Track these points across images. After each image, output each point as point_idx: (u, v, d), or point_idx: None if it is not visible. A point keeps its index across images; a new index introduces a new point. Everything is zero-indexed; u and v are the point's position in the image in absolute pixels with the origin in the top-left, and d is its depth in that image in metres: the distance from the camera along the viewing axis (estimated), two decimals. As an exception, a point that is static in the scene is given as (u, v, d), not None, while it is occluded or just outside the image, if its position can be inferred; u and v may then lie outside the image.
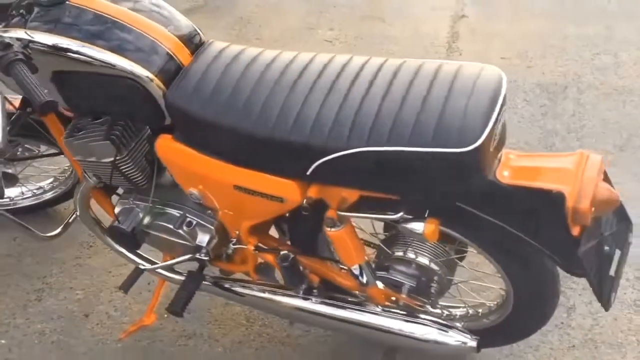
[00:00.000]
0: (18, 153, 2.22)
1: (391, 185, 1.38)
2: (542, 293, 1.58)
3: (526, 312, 1.66)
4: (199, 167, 1.54)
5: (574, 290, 2.14)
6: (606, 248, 1.46)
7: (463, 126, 1.28)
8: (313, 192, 1.43)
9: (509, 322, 1.71)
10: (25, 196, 2.37)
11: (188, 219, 1.70)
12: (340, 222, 1.49)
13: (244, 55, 1.52)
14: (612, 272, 1.47)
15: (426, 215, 1.40)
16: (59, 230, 2.01)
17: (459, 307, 1.85)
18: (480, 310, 1.81)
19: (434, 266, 1.65)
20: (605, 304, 1.47)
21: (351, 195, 1.45)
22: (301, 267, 1.66)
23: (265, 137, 1.38)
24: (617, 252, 1.50)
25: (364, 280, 1.62)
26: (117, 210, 1.76)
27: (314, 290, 1.68)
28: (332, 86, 1.40)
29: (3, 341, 2.00)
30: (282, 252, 1.61)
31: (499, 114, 1.32)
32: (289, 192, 1.45)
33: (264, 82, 1.44)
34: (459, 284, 1.85)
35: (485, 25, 3.69)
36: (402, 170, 1.32)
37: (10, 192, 2.33)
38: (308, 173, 1.38)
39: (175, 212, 1.71)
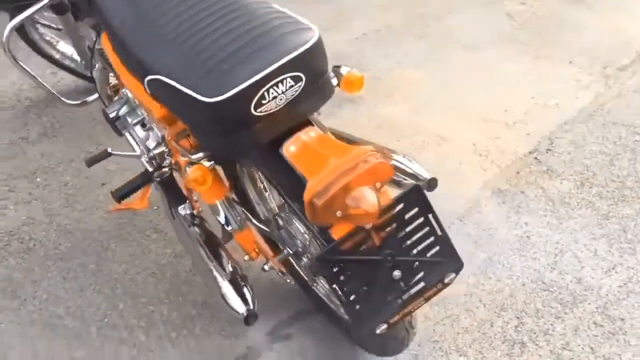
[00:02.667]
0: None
1: (185, 122, 1.35)
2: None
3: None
4: (117, 68, 1.67)
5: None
6: (395, 273, 1.23)
7: (225, 75, 1.19)
8: (157, 112, 1.47)
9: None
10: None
11: (145, 120, 1.85)
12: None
13: None
14: (400, 300, 1.25)
15: (208, 163, 1.34)
16: (78, 102, 2.34)
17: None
18: None
19: (307, 239, 1.57)
20: (362, 328, 1.25)
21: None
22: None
23: (124, 44, 1.44)
24: (420, 285, 1.26)
25: (222, 219, 1.60)
26: (116, 97, 1.99)
27: (195, 219, 1.72)
28: (194, 16, 1.39)
29: (38, 179, 2.43)
30: (163, 169, 1.68)
31: (272, 75, 1.19)
32: (151, 106, 1.51)
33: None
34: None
35: None
36: (182, 109, 1.29)
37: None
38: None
39: (139, 111, 1.87)
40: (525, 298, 1.96)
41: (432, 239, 1.26)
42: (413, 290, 1.26)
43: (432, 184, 1.51)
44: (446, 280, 1.28)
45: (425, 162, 2.35)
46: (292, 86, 1.23)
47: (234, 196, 1.67)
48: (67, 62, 2.68)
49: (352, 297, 1.23)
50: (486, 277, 2.02)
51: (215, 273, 1.57)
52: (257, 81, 1.19)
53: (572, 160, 2.42)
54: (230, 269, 1.57)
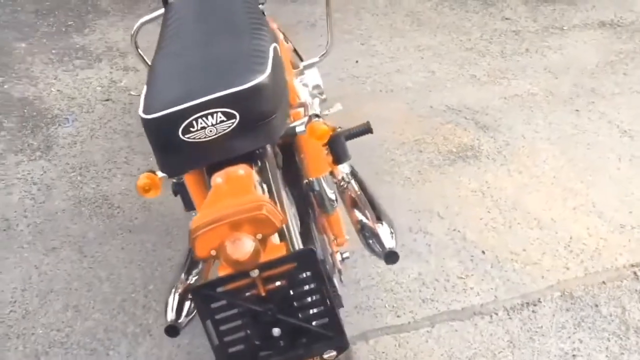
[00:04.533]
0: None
1: None
2: None
3: None
4: None
5: None
6: (275, 330, 1.18)
7: (166, 95, 1.26)
8: None
9: None
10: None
11: None
12: None
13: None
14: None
15: (161, 174, 1.40)
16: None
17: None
18: None
19: None
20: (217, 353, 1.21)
21: None
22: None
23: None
24: (298, 351, 1.18)
25: None
26: None
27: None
28: (193, 34, 1.49)
29: (151, 159, 2.70)
30: None
31: (201, 106, 1.21)
32: None
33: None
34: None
35: None
36: None
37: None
38: None
39: None
40: (532, 420, 1.71)
41: (321, 308, 1.19)
42: (289, 354, 1.20)
43: (389, 257, 1.41)
44: (325, 356, 1.19)
45: (504, 242, 2.18)
46: (223, 121, 1.24)
47: None
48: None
49: (225, 340, 1.21)
50: (501, 381, 1.80)
51: (177, 279, 1.64)
52: (185, 108, 1.22)
53: (679, 288, 2.03)
54: (190, 282, 1.63)
